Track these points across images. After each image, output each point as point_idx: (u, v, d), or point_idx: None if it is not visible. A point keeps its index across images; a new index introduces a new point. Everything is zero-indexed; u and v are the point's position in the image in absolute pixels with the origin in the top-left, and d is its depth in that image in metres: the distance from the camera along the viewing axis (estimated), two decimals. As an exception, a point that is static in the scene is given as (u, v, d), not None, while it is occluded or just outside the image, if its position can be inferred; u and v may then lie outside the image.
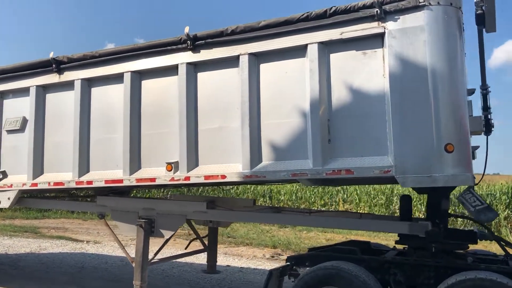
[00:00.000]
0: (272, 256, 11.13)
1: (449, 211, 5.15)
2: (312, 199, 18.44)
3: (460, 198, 4.38)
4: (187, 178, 5.15)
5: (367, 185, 18.34)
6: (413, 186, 4.25)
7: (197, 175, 5.11)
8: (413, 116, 4.23)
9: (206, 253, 7.83)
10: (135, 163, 5.47)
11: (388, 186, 18.10)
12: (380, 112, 4.38)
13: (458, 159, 4.11)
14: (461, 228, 5.60)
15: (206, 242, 7.64)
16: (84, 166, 5.75)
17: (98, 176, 5.64)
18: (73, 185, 5.76)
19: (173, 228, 5.68)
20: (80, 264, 9.30)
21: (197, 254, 7.84)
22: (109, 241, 12.58)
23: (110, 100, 5.71)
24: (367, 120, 4.45)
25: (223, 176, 4.97)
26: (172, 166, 5.22)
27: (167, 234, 5.69)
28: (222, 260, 10.26)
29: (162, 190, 17.17)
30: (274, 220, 5.83)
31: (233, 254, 11.26)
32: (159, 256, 6.17)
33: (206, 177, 5.05)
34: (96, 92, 5.82)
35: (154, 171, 5.36)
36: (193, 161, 5.17)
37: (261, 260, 10.68)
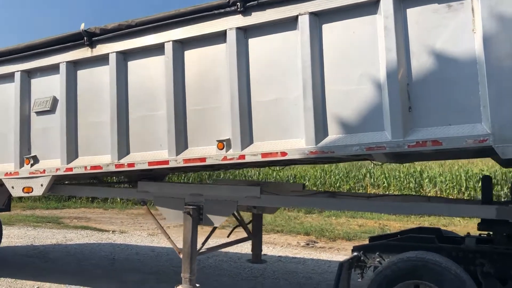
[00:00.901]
0: (307, 244, 10.62)
1: None
2: (337, 184, 17.86)
3: None
4: (242, 156, 4.60)
5: (394, 169, 17.75)
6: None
7: (253, 153, 4.55)
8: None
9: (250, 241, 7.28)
10: (181, 142, 4.93)
11: (418, 168, 17.50)
12: (470, 73, 3.78)
13: None
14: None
15: (250, 230, 7.10)
16: (123, 147, 5.21)
17: (140, 158, 5.11)
18: (113, 168, 5.23)
19: (224, 215, 5.15)
20: (111, 255, 8.85)
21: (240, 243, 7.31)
22: (134, 230, 12.15)
23: (150, 74, 5.15)
24: (454, 84, 3.85)
25: (284, 153, 4.41)
26: (224, 144, 4.67)
27: (217, 221, 5.16)
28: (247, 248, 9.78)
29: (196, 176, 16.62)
30: (332, 206, 5.29)
31: (266, 242, 10.71)
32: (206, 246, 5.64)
33: (264, 155, 4.50)
34: (134, 66, 5.26)
35: (203, 150, 4.82)
36: (247, 137, 4.62)
37: (296, 248, 10.17)
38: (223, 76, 4.72)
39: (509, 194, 14.52)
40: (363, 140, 4.11)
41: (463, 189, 15.78)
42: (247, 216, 7.36)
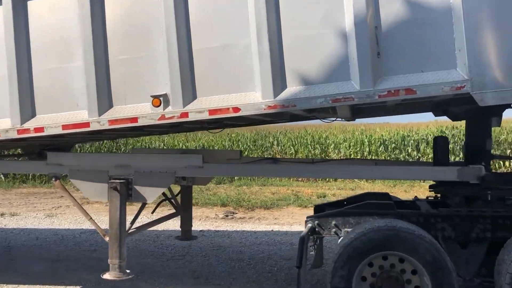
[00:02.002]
0: (226, 215, 10.10)
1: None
2: (245, 153, 17.53)
3: None
4: (184, 114, 3.85)
5: (300, 136, 17.87)
6: (494, 104, 3.43)
7: (198, 110, 3.82)
8: (493, 15, 3.36)
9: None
10: (104, 99, 4.02)
11: (323, 135, 17.78)
12: (442, 12, 3.44)
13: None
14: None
15: (179, 204, 6.30)
16: (27, 108, 4.16)
17: (50, 121, 4.10)
18: (14, 134, 4.16)
19: (158, 190, 4.38)
20: (5, 242, 7.54)
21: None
22: (28, 212, 10.68)
23: (60, 17, 4.12)
24: (425, 25, 3.49)
25: (236, 109, 3.75)
26: (161, 100, 3.87)
27: (150, 196, 4.37)
28: (175, 224, 9.03)
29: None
30: (278, 173, 4.77)
31: (182, 216, 10.04)
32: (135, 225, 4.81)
33: (212, 112, 3.80)
34: (36, 6, 4.18)
35: (134, 108, 3.97)
36: (189, 91, 3.87)
37: (216, 221, 9.62)
38: (157, 18, 3.88)
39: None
40: (329, 91, 3.60)
41: (365, 153, 16.33)
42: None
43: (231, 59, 3.79)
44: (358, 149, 16.38)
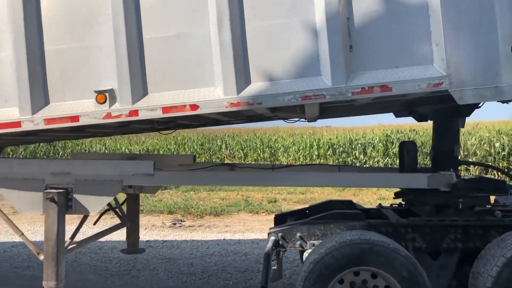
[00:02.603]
0: (174, 224, 9.55)
1: None
2: (192, 159, 16.99)
3: None
4: (134, 112, 3.37)
5: (249, 139, 17.55)
6: (473, 102, 3.25)
7: (150, 107, 3.35)
8: (473, 7, 3.15)
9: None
10: (38, 95, 3.45)
11: (273, 138, 17.55)
12: (419, 4, 3.20)
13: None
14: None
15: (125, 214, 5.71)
16: None
17: (-28, 120, 3.48)
18: None
19: (103, 200, 3.84)
20: None
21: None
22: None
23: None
24: (401, 17, 3.23)
25: (194, 107, 3.32)
26: (106, 97, 3.36)
27: (93, 208, 3.81)
28: (118, 234, 8.39)
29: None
30: (242, 181, 4.20)
31: (126, 225, 9.39)
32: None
33: (166, 109, 3.34)
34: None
35: (75, 105, 3.43)
36: (139, 86, 3.39)
37: (164, 230, 9.05)
38: (102, 1, 3.38)
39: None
40: (298, 87, 3.25)
41: (314, 157, 16.25)
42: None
43: (188, 50, 3.36)
44: (307, 152, 16.27)
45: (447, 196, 3.74)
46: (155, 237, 8.26)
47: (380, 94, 3.23)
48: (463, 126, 4.52)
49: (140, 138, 17.24)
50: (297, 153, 16.02)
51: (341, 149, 16.26)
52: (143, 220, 9.94)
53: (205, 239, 8.15)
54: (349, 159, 16.03)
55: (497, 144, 15.74)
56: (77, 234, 4.25)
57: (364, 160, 16.17)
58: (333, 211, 3.92)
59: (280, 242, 3.74)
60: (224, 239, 8.11)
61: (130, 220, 5.48)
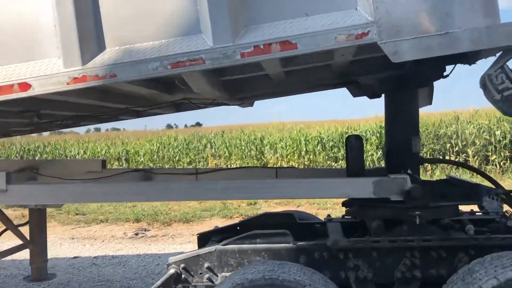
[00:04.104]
0: (136, 234, 8.82)
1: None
2: (177, 158, 16.25)
3: (484, 77, 2.38)
4: None
5: (234, 137, 16.74)
6: (413, 58, 2.33)
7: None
8: None
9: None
10: None
11: (258, 135, 16.76)
12: None
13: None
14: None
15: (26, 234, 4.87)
16: None
17: None
18: None
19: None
20: None
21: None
22: None
23: None
24: None
25: (25, 86, 2.46)
26: None
27: None
28: (67, 251, 7.69)
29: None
30: (152, 197, 3.33)
31: (83, 237, 8.69)
32: None
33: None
34: None
35: None
36: None
37: (122, 241, 8.33)
38: None
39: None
40: (167, 50, 2.36)
41: (303, 153, 15.42)
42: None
43: (11, 9, 2.50)
44: (295, 148, 15.43)
45: (400, 207, 2.86)
46: (107, 252, 7.54)
47: (282, 54, 2.31)
48: (430, 103, 3.66)
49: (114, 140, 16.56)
50: (284, 149, 15.18)
51: (331, 143, 15.38)
52: (105, 230, 9.28)
53: (162, 252, 7.42)
54: (339, 153, 15.15)
55: (497, 132, 14.75)
56: None
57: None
58: (253, 232, 3.08)
59: (183, 276, 2.97)
60: (182, 252, 7.36)
61: (34, 241, 4.66)
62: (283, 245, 2.93)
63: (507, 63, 2.36)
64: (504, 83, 2.33)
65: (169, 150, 16.53)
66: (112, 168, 4.71)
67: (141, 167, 15.71)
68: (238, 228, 3.60)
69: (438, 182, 3.35)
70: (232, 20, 2.31)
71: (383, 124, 17.35)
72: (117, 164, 15.65)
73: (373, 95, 3.87)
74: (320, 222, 3.76)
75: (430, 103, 3.73)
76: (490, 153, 14.46)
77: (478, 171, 3.89)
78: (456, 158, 14.45)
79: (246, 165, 14.21)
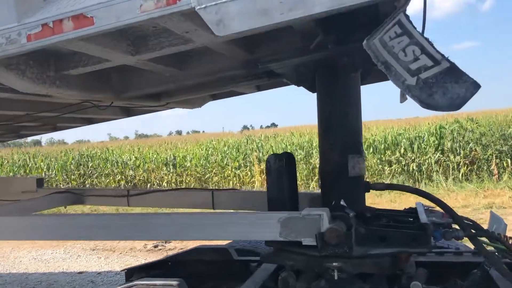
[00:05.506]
0: (155, 246, 8.67)
1: None
2: (225, 162, 16.05)
3: (369, 44, 1.58)
4: None
5: (282, 140, 16.16)
6: (243, 29, 1.61)
7: None
8: None
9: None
10: None
11: (307, 138, 16.06)
12: None
13: None
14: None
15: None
16: None
17: None
18: None
19: None
20: None
21: None
22: None
23: None
24: None
25: None
26: None
27: None
28: (79, 264, 7.69)
29: None
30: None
31: (104, 249, 8.69)
32: None
33: None
34: None
35: None
36: None
37: (137, 254, 8.20)
38: None
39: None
40: None
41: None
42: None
43: None
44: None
45: (316, 256, 2.15)
46: (116, 267, 7.42)
47: (76, 33, 1.77)
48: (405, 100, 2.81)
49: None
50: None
51: (383, 146, 14.33)
52: (127, 242, 9.20)
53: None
54: (393, 157, 14.08)
55: None
56: None
57: (412, 158, 14.12)
58: (136, 283, 2.63)
59: None
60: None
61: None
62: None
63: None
64: (419, 59, 1.60)
65: (218, 155, 16.36)
66: (47, 188, 4.23)
67: (188, 172, 15.69)
68: (169, 263, 3.17)
69: (385, 215, 2.58)
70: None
71: (442, 123, 15.82)
72: (165, 169, 15.77)
73: (310, 87, 2.81)
74: (255, 261, 3.20)
75: (402, 102, 2.90)
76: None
77: (435, 200, 2.48)
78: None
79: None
